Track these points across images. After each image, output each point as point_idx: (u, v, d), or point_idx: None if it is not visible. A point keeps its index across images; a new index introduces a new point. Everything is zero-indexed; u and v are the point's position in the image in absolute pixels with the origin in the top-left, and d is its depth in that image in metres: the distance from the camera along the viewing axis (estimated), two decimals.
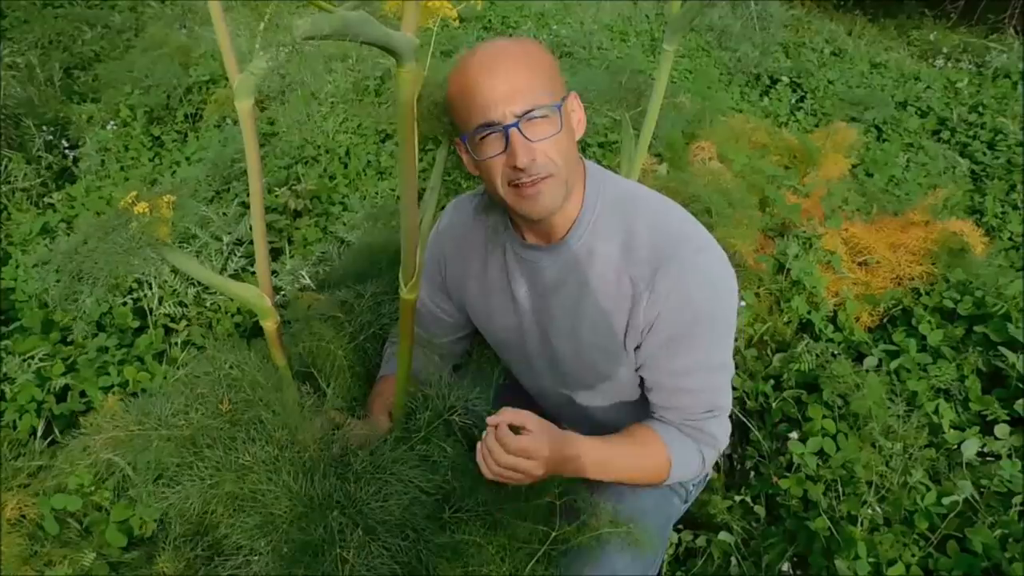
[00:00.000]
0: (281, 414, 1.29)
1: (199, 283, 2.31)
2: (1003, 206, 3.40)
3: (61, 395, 2.01)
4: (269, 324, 1.30)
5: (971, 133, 4.12)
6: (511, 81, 1.15)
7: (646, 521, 1.36)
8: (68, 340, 2.20)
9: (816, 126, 4.10)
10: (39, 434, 1.88)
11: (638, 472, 1.29)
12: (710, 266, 1.23)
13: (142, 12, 5.69)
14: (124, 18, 5.45)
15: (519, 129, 1.15)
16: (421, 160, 3.43)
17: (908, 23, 7.04)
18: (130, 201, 1.15)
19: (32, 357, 2.05)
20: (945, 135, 4.14)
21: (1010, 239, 3.13)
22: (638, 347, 1.28)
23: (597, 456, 1.23)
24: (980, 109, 4.33)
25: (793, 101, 4.38)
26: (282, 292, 2.31)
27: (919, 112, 4.35)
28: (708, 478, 1.70)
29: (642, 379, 1.33)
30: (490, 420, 1.15)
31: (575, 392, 1.43)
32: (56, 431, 1.91)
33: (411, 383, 1.39)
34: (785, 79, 4.47)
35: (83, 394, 2.02)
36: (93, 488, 1.56)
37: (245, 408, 1.30)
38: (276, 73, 3.53)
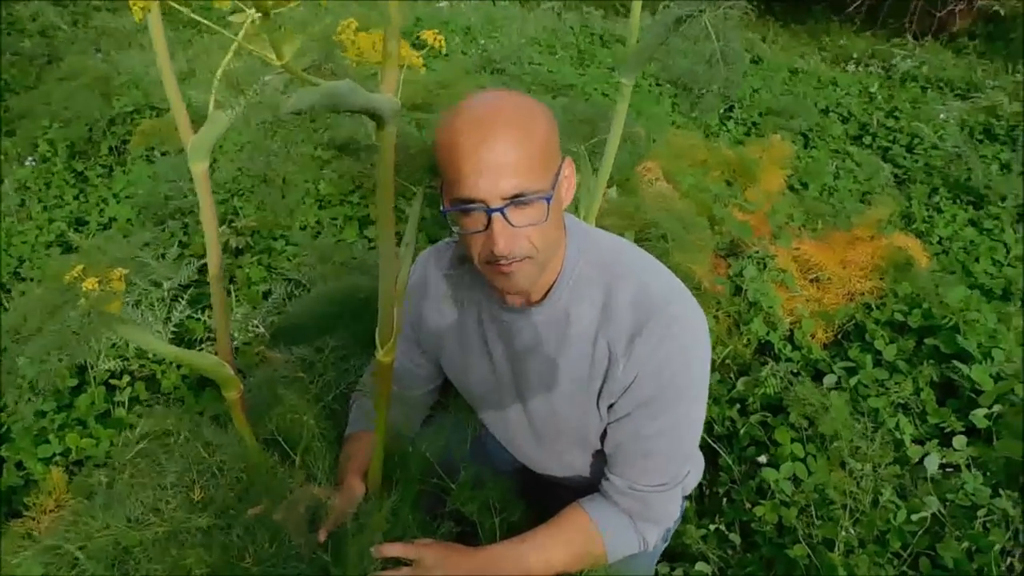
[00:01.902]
0: (262, 495, 1.22)
1: None
2: (928, 210, 3.53)
3: None
4: (232, 394, 1.22)
5: (890, 138, 4.29)
6: (502, 159, 1.04)
7: (635, 568, 1.37)
8: None
9: (747, 135, 4.19)
10: None
11: (572, 560, 1.26)
12: (687, 334, 1.20)
13: (54, 36, 5.38)
14: (34, 43, 5.14)
15: (503, 214, 1.06)
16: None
17: (817, 28, 7.31)
18: (76, 276, 1.05)
19: None
20: (867, 140, 4.29)
21: (939, 242, 3.25)
22: (611, 407, 1.25)
23: (518, 560, 1.23)
24: (896, 114, 4.51)
25: (722, 111, 4.46)
26: (233, 341, 2.20)
27: (841, 118, 4.50)
28: (683, 511, 1.70)
29: (604, 438, 1.31)
30: (374, 550, 1.18)
31: (549, 447, 1.41)
32: None
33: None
34: (715, 88, 4.54)
35: (20, 466, 1.88)
36: None
37: (225, 493, 1.22)
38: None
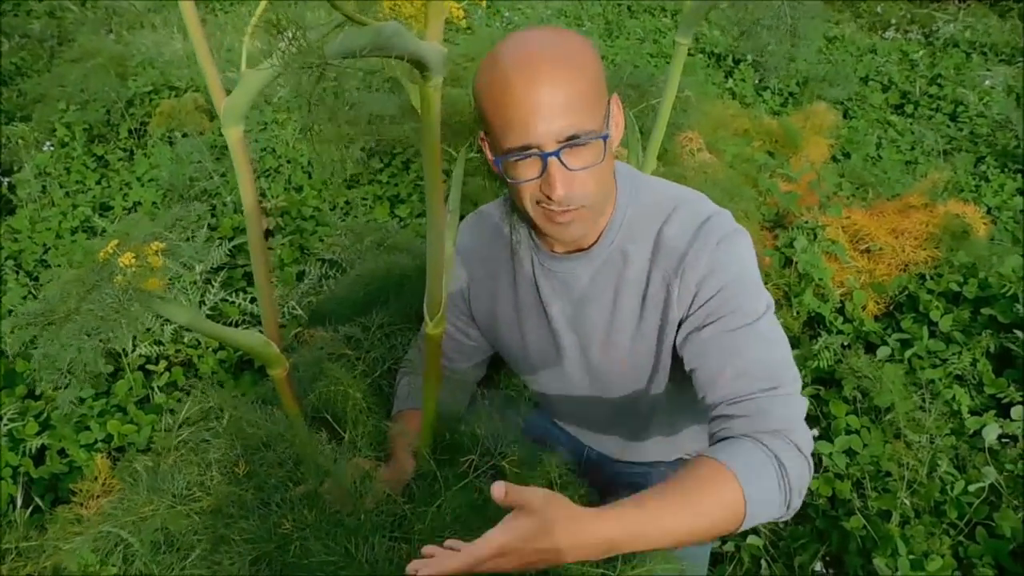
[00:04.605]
0: (310, 471, 1.18)
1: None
2: (975, 179, 3.41)
3: (38, 457, 1.84)
4: (278, 372, 1.18)
5: (933, 106, 4.15)
6: (555, 99, 0.99)
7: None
8: (37, 393, 2.01)
9: (783, 105, 4.07)
10: (19, 503, 1.70)
11: (702, 524, 0.91)
12: (739, 243, 1.11)
13: (62, 17, 5.33)
14: (43, 25, 5.09)
15: (559, 158, 1.02)
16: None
17: None
18: (111, 251, 0.99)
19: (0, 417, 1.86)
20: (908, 109, 4.16)
21: (988, 212, 3.13)
22: (682, 325, 1.14)
23: (630, 528, 0.87)
24: (939, 81, 4.36)
25: (757, 81, 4.34)
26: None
27: (882, 87, 4.36)
28: (812, 467, 1.42)
29: (690, 379, 1.14)
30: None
31: (615, 405, 1.33)
32: (36, 499, 1.74)
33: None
34: (748, 58, 4.43)
35: (63, 453, 1.85)
36: (98, 566, 1.39)
37: (268, 468, 1.19)
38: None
